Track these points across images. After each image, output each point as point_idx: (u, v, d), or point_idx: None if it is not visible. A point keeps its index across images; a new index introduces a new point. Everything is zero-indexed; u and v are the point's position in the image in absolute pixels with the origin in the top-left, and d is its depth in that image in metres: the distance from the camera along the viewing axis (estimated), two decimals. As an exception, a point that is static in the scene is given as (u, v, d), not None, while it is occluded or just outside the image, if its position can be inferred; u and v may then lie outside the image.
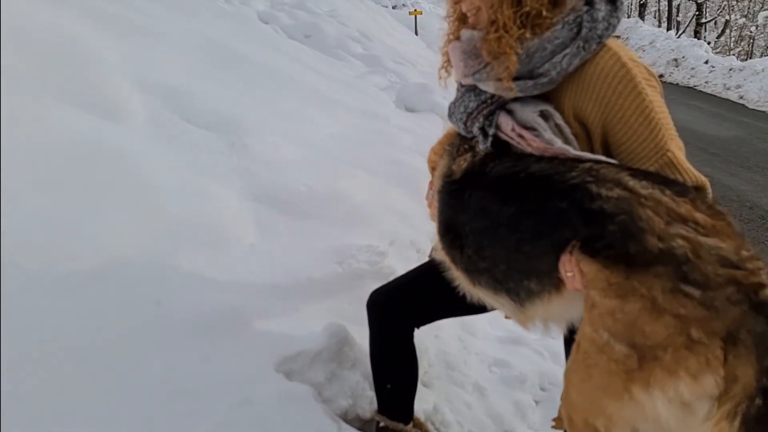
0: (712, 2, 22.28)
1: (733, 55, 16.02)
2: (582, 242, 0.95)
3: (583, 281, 0.95)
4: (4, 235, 1.48)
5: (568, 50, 1.04)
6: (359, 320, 1.65)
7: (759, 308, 0.83)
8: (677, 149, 1.05)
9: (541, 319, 1.14)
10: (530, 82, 1.07)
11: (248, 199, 2.23)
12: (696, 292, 0.84)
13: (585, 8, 1.06)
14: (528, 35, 1.04)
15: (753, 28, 22.66)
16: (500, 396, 1.92)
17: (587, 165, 1.00)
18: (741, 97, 9.43)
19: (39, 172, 1.76)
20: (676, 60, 12.46)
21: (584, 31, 1.03)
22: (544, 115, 1.08)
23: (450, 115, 1.24)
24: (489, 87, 1.12)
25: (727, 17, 21.56)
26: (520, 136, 1.07)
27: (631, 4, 25.43)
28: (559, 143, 1.05)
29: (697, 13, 19.42)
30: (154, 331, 1.48)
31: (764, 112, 8.48)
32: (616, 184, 0.95)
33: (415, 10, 12.06)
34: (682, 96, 10.14)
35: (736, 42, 23.87)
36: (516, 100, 1.11)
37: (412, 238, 2.45)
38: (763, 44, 23.84)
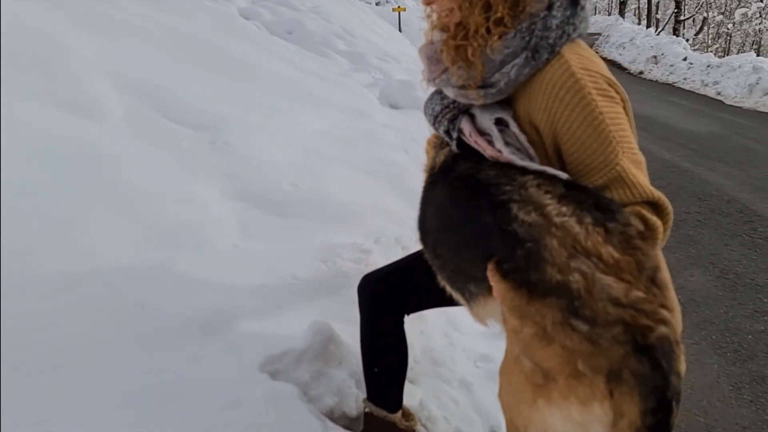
0: (691, 0, 22.63)
1: (711, 52, 16.31)
2: (497, 260, 0.97)
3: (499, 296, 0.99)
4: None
5: (517, 60, 1.01)
6: (345, 318, 1.65)
7: (644, 351, 0.82)
8: (630, 163, 1.01)
9: (487, 319, 1.15)
10: (482, 92, 1.07)
11: (232, 199, 2.21)
12: (584, 328, 0.84)
13: (542, 14, 1.02)
14: (495, 41, 1.02)
15: (730, 26, 23.11)
16: (486, 391, 1.92)
17: (525, 179, 0.99)
18: (719, 93, 9.58)
19: (20, 174, 1.72)
20: (655, 57, 12.64)
21: (534, 40, 1.00)
22: (500, 122, 1.07)
23: (424, 114, 1.24)
24: (449, 92, 1.12)
25: (705, 15, 21.92)
26: (476, 142, 1.08)
27: (612, 2, 25.73)
28: (506, 152, 1.03)
29: (676, 10, 19.67)
30: (140, 333, 1.46)
31: (741, 107, 8.63)
32: (535, 208, 0.94)
33: (399, 7, 12.05)
34: (662, 92, 10.29)
35: (714, 39, 24.32)
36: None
37: (396, 235, 2.45)
38: (740, 41, 24.30)
